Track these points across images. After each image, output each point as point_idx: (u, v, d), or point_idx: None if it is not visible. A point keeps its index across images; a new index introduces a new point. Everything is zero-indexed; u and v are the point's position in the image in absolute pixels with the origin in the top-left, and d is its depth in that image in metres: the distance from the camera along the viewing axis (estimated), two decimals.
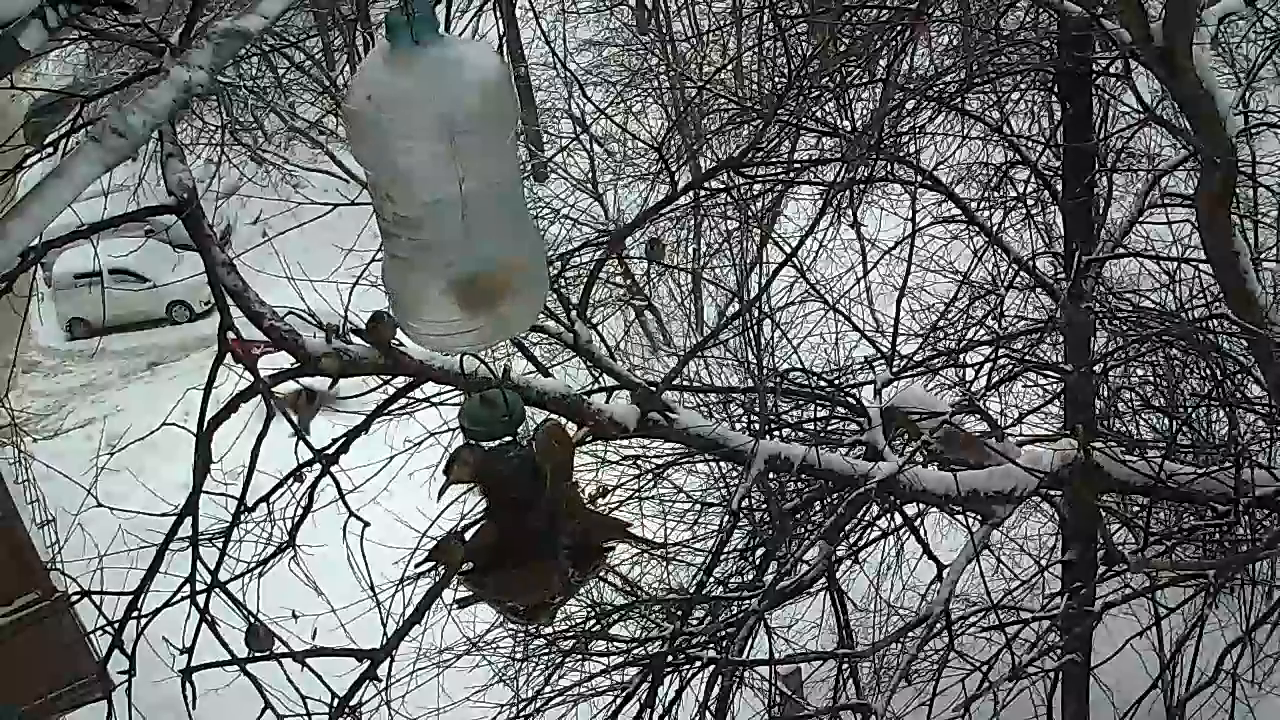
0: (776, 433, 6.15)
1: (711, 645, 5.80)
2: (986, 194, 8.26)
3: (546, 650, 6.92)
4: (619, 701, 5.91)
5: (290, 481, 4.16)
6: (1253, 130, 6.04)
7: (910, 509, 5.97)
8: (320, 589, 4.59)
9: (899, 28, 6.79)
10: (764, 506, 6.81)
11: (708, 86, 8.89)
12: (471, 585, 3.09)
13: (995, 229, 7.51)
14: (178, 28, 3.51)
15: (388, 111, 2.08)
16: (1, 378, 9.65)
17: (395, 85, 2.08)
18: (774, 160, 6.42)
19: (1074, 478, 4.82)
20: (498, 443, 2.82)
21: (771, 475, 5.55)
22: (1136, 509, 5.81)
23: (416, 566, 3.76)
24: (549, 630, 7.07)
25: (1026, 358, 7.03)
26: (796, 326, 8.53)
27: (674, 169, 6.08)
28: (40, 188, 1.73)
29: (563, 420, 3.07)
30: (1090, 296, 6.69)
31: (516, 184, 2.34)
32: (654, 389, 4.45)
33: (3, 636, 9.23)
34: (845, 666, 6.76)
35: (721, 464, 7.47)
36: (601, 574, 3.09)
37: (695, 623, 6.19)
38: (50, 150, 4.03)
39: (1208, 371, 6.18)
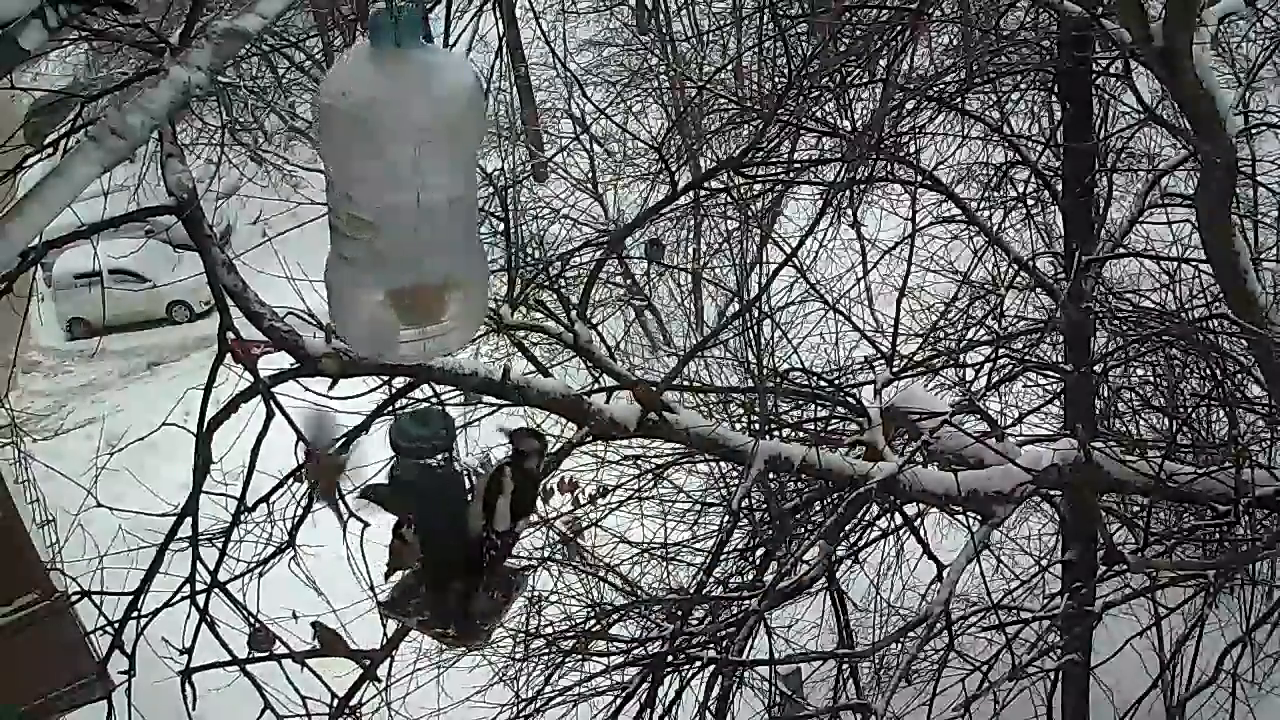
0: (776, 433, 6.15)
1: (711, 645, 5.79)
2: (986, 194, 8.26)
3: (546, 650, 6.92)
4: (619, 701, 5.91)
5: (290, 481, 4.16)
6: (1253, 130, 6.05)
7: (910, 509, 5.97)
8: (320, 589, 4.59)
9: (899, 28, 6.79)
10: (764, 506, 6.81)
11: (708, 87, 8.89)
12: (397, 616, 3.11)
13: (995, 229, 7.51)
14: (178, 28, 3.51)
15: (360, 110, 2.07)
16: (1, 378, 9.65)
17: (371, 85, 2.07)
18: (774, 160, 6.42)
19: (1074, 478, 4.82)
20: (427, 461, 2.84)
21: (771, 475, 5.55)
22: (1136, 509, 5.80)
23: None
24: (549, 630, 7.08)
25: (1026, 358, 7.03)
26: (796, 326, 8.53)
27: (674, 169, 6.09)
28: (40, 188, 1.73)
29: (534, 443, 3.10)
30: (1090, 296, 6.69)
31: (472, 202, 2.33)
32: (654, 388, 4.45)
33: (3, 636, 9.22)
34: (845, 666, 6.76)
35: (721, 464, 7.48)
36: (518, 594, 3.13)
37: (695, 623, 6.19)
38: (50, 150, 4.03)
39: (1208, 371, 6.18)
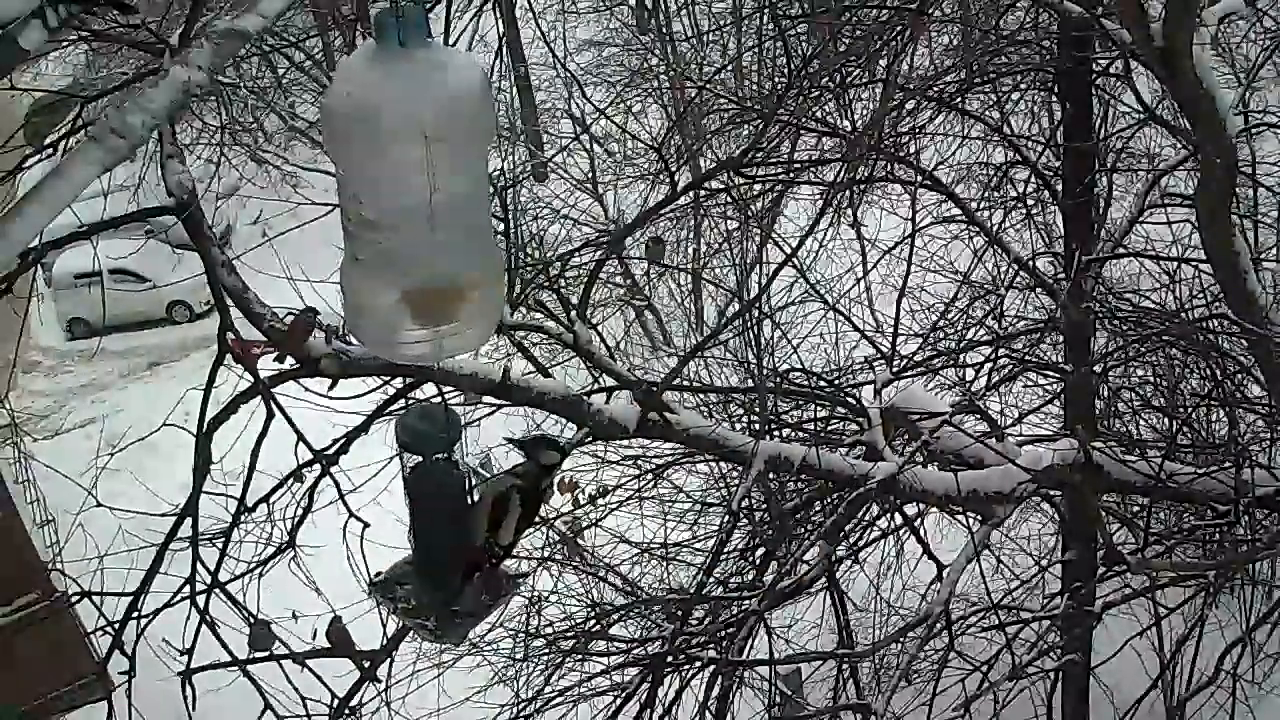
0: (776, 433, 6.15)
1: (711, 645, 5.79)
2: (986, 194, 8.26)
3: (546, 650, 6.92)
4: (619, 701, 5.91)
5: (290, 482, 4.16)
6: (1253, 130, 6.04)
7: (910, 509, 5.97)
8: (320, 589, 4.59)
9: (899, 28, 6.79)
10: (764, 506, 6.80)
11: (708, 87, 8.89)
12: (383, 597, 3.15)
13: (995, 229, 7.50)
14: (178, 28, 3.51)
15: (366, 111, 2.05)
16: (1, 378, 9.65)
17: (376, 86, 2.06)
18: (774, 160, 6.42)
19: (1073, 478, 4.82)
20: (433, 456, 2.88)
21: (771, 475, 5.54)
22: (1136, 509, 5.80)
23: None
24: (549, 630, 7.09)
25: (1026, 358, 7.03)
26: (796, 326, 8.53)
27: (674, 169, 6.09)
28: (40, 188, 1.73)
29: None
30: (1090, 296, 6.69)
31: (484, 199, 2.32)
32: (654, 389, 4.45)
33: (3, 636, 9.22)
34: (845, 666, 6.76)
35: (721, 464, 7.48)
36: (507, 598, 3.17)
37: (695, 623, 6.19)
38: (50, 150, 4.03)
39: (1208, 371, 6.17)
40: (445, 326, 2.23)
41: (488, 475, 3.18)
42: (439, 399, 2.94)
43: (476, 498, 3.03)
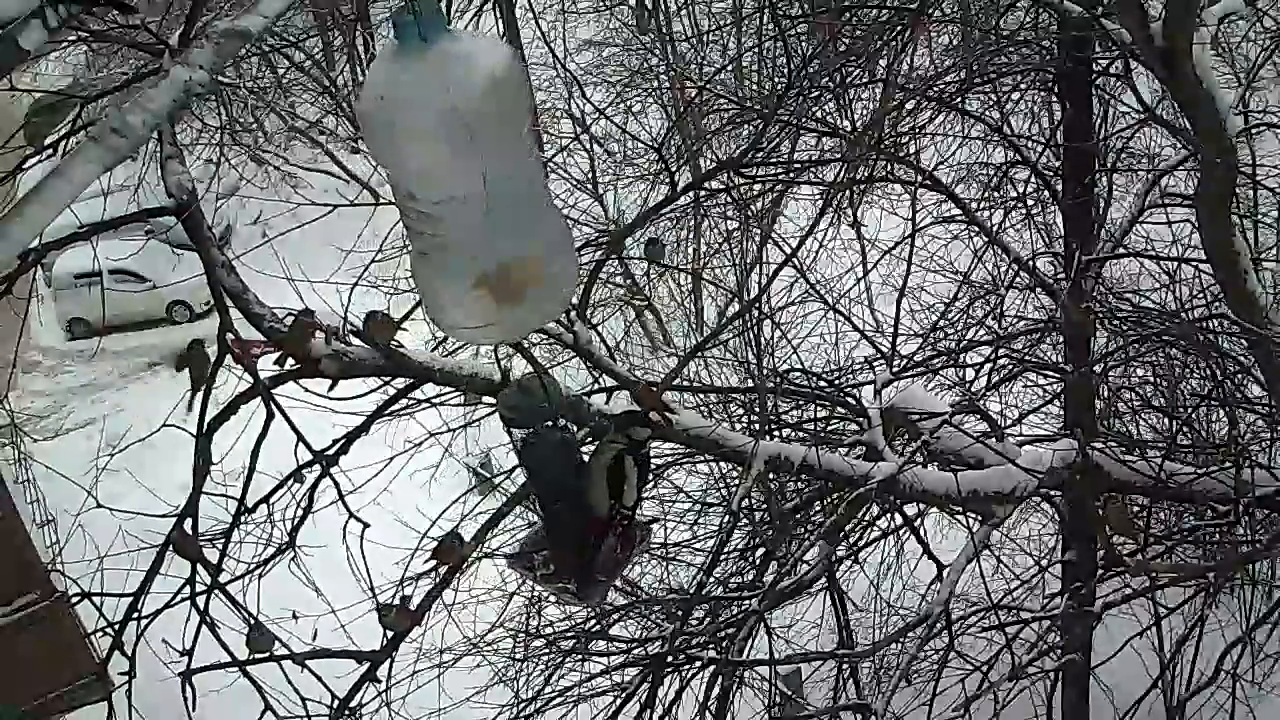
0: (776, 433, 6.15)
1: (711, 645, 5.80)
2: (986, 194, 8.26)
3: (546, 650, 6.92)
4: (619, 701, 5.91)
5: (290, 482, 4.16)
6: (1253, 130, 6.04)
7: (910, 509, 5.97)
8: (320, 590, 4.59)
9: (899, 28, 6.79)
10: (764, 506, 6.81)
11: (708, 87, 8.89)
12: (520, 569, 3.21)
13: (995, 229, 7.50)
14: (178, 28, 3.51)
15: (400, 111, 2.07)
16: (1, 378, 9.64)
17: (405, 84, 2.08)
18: (774, 160, 6.42)
19: (1074, 478, 4.82)
20: (538, 428, 2.93)
21: (771, 475, 5.54)
22: (1136, 509, 5.80)
23: (425, 562, 3.83)
24: (549, 630, 7.09)
25: (1026, 358, 7.03)
26: (796, 326, 8.53)
27: (674, 169, 6.08)
28: (39, 188, 1.72)
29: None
30: (1090, 296, 6.69)
31: (534, 175, 2.34)
32: (654, 388, 4.44)
33: (3, 636, 9.21)
34: (845, 666, 6.76)
35: (721, 464, 7.47)
36: (646, 549, 3.22)
37: (695, 623, 6.19)
38: (50, 150, 4.03)
39: (1208, 371, 6.18)
40: (520, 303, 2.28)
41: (590, 441, 3.21)
42: (534, 374, 2.96)
43: (587, 463, 3.08)
